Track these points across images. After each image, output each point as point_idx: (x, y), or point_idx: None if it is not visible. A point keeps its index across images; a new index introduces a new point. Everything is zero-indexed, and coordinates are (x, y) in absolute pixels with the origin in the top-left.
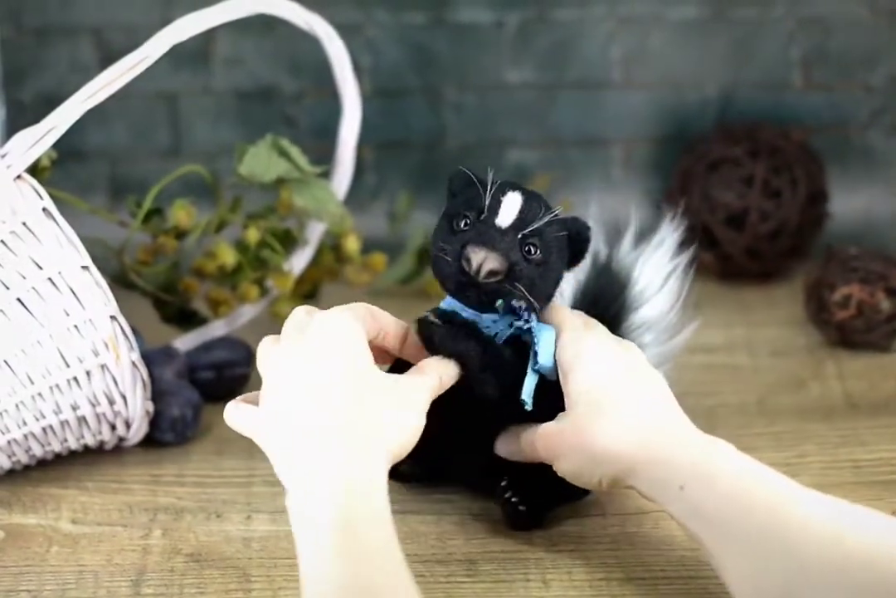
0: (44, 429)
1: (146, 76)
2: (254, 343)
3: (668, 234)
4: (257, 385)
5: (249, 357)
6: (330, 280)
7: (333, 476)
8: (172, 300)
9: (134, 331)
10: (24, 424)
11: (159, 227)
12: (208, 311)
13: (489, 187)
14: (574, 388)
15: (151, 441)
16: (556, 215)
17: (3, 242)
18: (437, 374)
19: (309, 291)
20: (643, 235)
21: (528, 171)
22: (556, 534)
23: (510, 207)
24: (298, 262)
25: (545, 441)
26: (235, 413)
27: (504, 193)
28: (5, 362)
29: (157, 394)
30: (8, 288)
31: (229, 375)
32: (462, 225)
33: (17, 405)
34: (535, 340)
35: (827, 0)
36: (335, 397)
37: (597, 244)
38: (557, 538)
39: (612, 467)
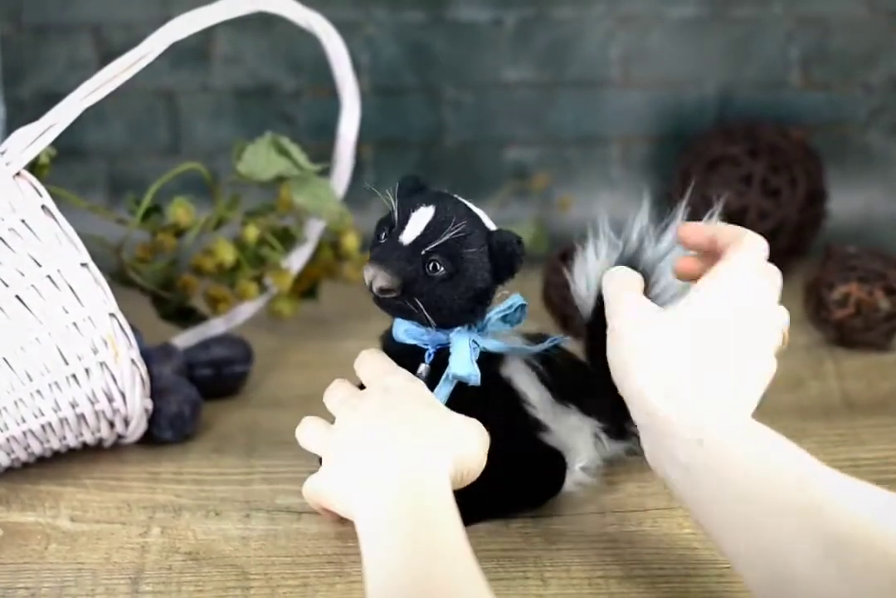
0: (42, 426)
1: (145, 74)
2: (252, 341)
3: (672, 219)
4: (256, 383)
5: (248, 355)
6: (329, 278)
7: (401, 475)
8: (171, 298)
9: (133, 328)
10: (23, 421)
11: (158, 224)
12: (207, 308)
13: (408, 200)
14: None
15: (150, 439)
16: (461, 232)
17: (1, 239)
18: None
19: (308, 288)
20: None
21: (527, 169)
22: (554, 532)
23: (416, 224)
24: (297, 259)
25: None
26: (308, 430)
27: (415, 208)
28: (4, 359)
29: (156, 391)
30: (7, 285)
31: (228, 372)
32: (381, 239)
33: (15, 403)
34: (451, 350)
35: None
36: (401, 409)
37: (623, 239)
38: (556, 536)
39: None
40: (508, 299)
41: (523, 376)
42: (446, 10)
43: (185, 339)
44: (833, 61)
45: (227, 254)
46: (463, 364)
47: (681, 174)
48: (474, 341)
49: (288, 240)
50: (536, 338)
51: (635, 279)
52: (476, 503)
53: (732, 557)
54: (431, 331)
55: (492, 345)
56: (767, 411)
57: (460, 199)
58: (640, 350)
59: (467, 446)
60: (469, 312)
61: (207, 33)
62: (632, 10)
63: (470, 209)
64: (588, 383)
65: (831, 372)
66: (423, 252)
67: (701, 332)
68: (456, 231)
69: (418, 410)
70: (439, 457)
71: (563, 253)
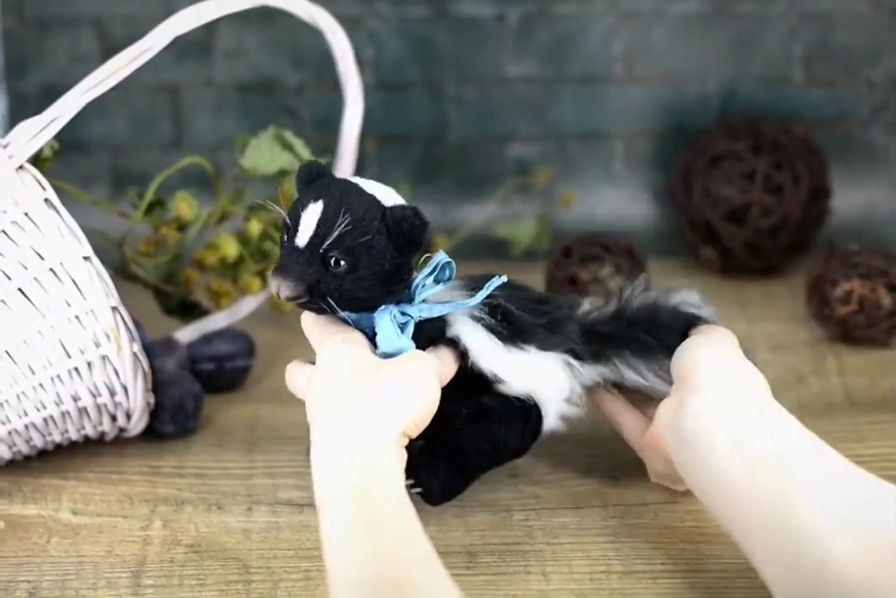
0: (45, 420)
1: (148, 68)
2: (255, 335)
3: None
4: (258, 377)
5: (250, 349)
6: None
7: (349, 446)
8: (174, 292)
9: (135, 322)
10: (25, 414)
11: (161, 218)
12: (210, 302)
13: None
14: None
15: (152, 432)
16: (351, 223)
17: (4, 232)
18: (435, 357)
19: None
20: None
21: (529, 165)
22: (556, 525)
23: (307, 224)
24: None
25: None
26: (293, 374)
27: (304, 208)
28: (7, 352)
29: (158, 385)
30: (10, 278)
31: (230, 367)
32: (283, 243)
33: (18, 396)
34: (376, 328)
35: None
36: (352, 383)
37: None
38: (558, 530)
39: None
40: (432, 259)
41: (470, 331)
42: (449, 5)
43: (187, 333)
44: (836, 58)
45: (230, 248)
46: (388, 341)
47: (683, 170)
48: (401, 313)
49: None
50: (482, 280)
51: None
52: (457, 465)
53: (754, 549)
54: (361, 315)
55: (426, 311)
56: None
57: (353, 180)
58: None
59: (411, 399)
60: (387, 293)
61: (211, 27)
62: (634, 6)
63: (361, 191)
64: (544, 313)
65: (833, 369)
66: (320, 251)
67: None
68: (346, 223)
69: (350, 385)
70: (383, 435)
71: (565, 249)
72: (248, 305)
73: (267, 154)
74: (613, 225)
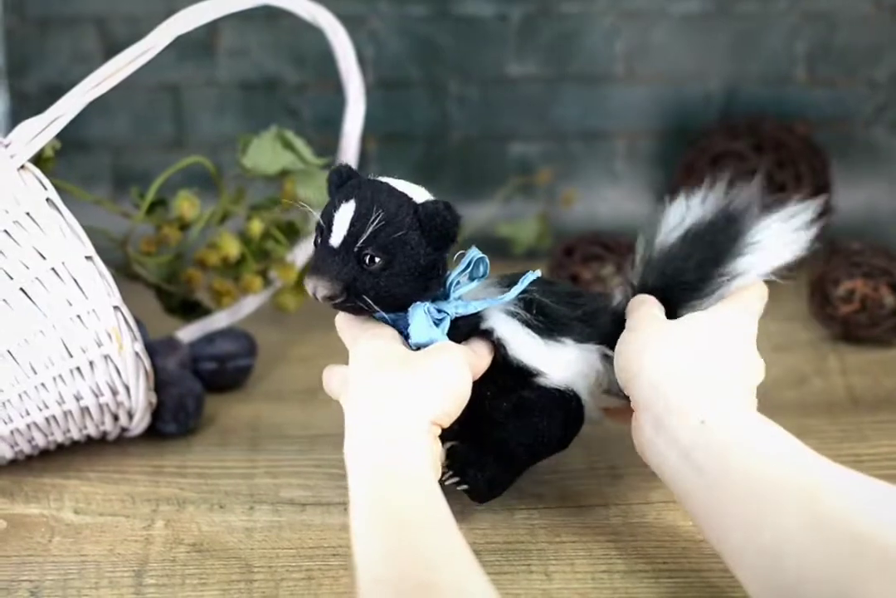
0: (47, 419)
1: (150, 67)
2: (256, 335)
3: (802, 211)
4: (260, 377)
5: (252, 348)
6: None
7: (377, 434)
8: (175, 291)
9: (137, 322)
10: (28, 414)
11: (163, 218)
12: (211, 302)
13: (335, 196)
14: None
15: (154, 432)
16: (384, 219)
17: (6, 231)
18: (467, 348)
19: None
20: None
21: (531, 164)
22: (558, 524)
23: (341, 224)
24: (302, 253)
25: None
26: (328, 376)
27: (336, 208)
28: (9, 351)
29: (160, 385)
30: (11, 278)
31: (232, 366)
32: (317, 244)
33: (20, 395)
34: (410, 321)
35: None
36: (381, 373)
37: (728, 200)
38: (560, 528)
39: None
40: (465, 256)
41: (505, 326)
42: (451, 4)
43: (189, 332)
44: (838, 57)
45: (232, 248)
46: (420, 332)
47: (685, 169)
48: (437, 310)
49: (293, 234)
50: (516, 276)
51: (657, 305)
52: (502, 460)
53: (727, 552)
54: (398, 315)
55: (461, 308)
56: (771, 407)
57: (383, 180)
58: (649, 341)
59: (441, 388)
60: (423, 290)
61: (212, 27)
62: (636, 5)
63: (392, 189)
64: (578, 305)
65: (836, 368)
66: (355, 250)
67: (702, 334)
68: (379, 219)
69: (380, 375)
70: (412, 423)
71: (567, 248)
72: (249, 304)
73: (268, 154)
74: (615, 224)
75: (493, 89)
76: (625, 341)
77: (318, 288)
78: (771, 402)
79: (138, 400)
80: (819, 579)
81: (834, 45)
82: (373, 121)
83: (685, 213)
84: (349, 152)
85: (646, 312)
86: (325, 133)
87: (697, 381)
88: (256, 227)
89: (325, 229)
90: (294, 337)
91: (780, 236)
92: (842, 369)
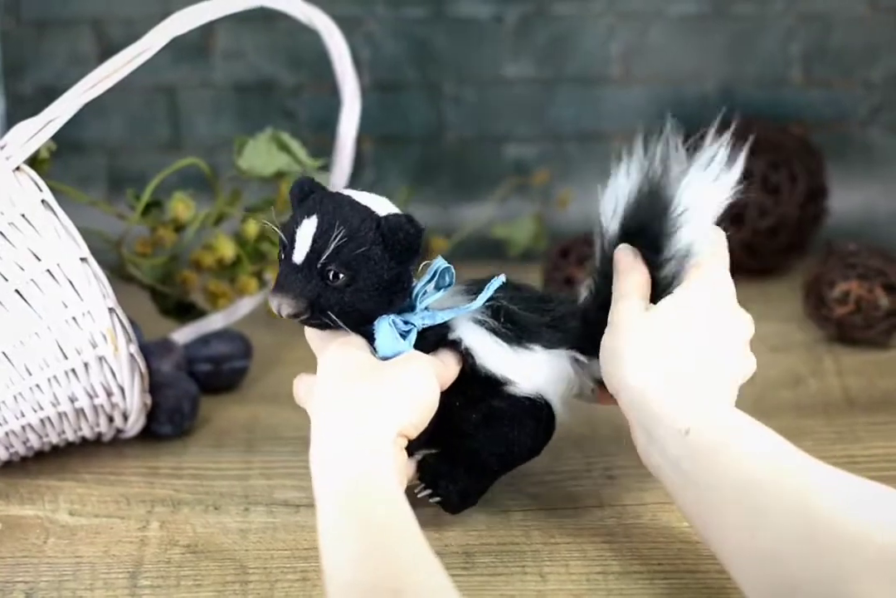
0: (42, 421)
1: (145, 69)
2: (252, 336)
3: (715, 150)
4: (255, 379)
5: (247, 350)
6: None
7: (343, 443)
8: (171, 293)
9: (132, 323)
10: (22, 415)
11: (158, 219)
12: (207, 304)
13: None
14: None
15: (149, 433)
16: (346, 236)
17: (1, 233)
18: (435, 358)
19: None
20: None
21: (527, 165)
22: (553, 525)
23: (303, 240)
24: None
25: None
26: (296, 384)
27: (299, 224)
28: (3, 353)
29: (155, 386)
30: (6, 279)
31: (227, 367)
32: (281, 260)
33: (15, 397)
34: (375, 335)
35: None
36: (348, 382)
37: (647, 164)
38: (555, 530)
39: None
40: (431, 266)
41: (472, 335)
42: (447, 5)
43: (184, 334)
44: (834, 58)
45: (227, 249)
46: (386, 345)
47: None
48: (404, 321)
49: None
50: (483, 283)
51: (644, 281)
52: (473, 471)
53: (723, 554)
54: (365, 329)
55: (428, 318)
56: (767, 408)
57: (346, 192)
58: (626, 349)
59: (408, 398)
60: (388, 303)
61: (208, 28)
62: (632, 6)
63: (355, 203)
64: (547, 311)
65: (831, 369)
66: (318, 266)
67: (680, 326)
68: (341, 235)
69: (346, 384)
70: (378, 433)
71: (562, 249)
72: (245, 306)
73: (264, 155)
74: None
75: (489, 90)
76: (605, 346)
77: (282, 306)
78: (766, 403)
79: (133, 402)
80: (812, 579)
81: (830, 47)
82: (369, 122)
83: (617, 196)
84: (345, 154)
85: (624, 307)
86: (321, 135)
87: (680, 386)
88: (252, 228)
89: (287, 245)
90: (289, 339)
91: (704, 194)
92: (837, 371)
